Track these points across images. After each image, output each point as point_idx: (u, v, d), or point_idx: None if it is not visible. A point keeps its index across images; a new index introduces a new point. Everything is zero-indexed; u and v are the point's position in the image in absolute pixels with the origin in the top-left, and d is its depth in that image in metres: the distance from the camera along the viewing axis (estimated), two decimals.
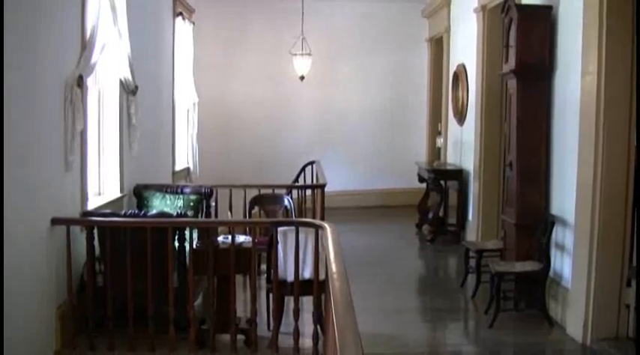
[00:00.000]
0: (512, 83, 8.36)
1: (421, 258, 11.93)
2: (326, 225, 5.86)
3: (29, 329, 5.78)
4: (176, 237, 6.48)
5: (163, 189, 8.80)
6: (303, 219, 6.91)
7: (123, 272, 6.23)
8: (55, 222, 6.20)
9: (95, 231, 6.43)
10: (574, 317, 7.14)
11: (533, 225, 8.02)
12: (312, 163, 12.00)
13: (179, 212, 7.42)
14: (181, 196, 8.66)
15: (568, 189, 7.44)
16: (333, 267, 4.33)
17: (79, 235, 6.58)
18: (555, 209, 7.92)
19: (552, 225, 7.67)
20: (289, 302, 6.53)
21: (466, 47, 12.13)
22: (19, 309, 5.59)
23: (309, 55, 14.21)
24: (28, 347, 5.77)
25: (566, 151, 7.59)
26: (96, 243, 6.43)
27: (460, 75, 12.57)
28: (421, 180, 13.59)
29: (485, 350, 7.29)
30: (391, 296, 9.07)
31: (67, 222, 6.30)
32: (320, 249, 6.11)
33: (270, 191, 9.29)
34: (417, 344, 7.39)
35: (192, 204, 8.59)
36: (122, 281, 6.24)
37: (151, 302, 6.25)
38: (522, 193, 8.16)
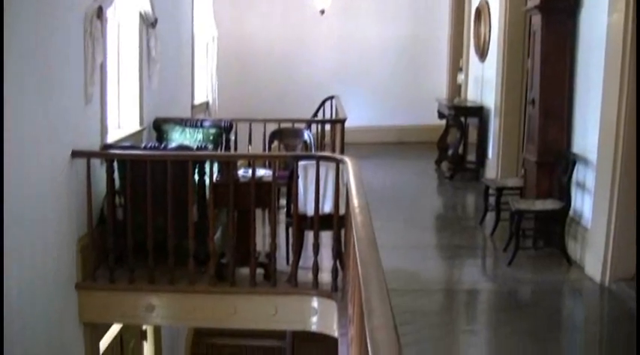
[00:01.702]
0: (536, 19, 8.23)
1: (440, 194, 11.93)
2: (347, 159, 5.83)
3: (51, 262, 5.81)
4: (196, 171, 6.46)
5: (183, 122, 8.76)
6: (324, 153, 6.88)
7: (143, 206, 6.24)
8: (75, 154, 6.19)
9: (115, 164, 6.41)
10: (593, 256, 7.13)
11: (555, 163, 7.97)
12: (331, 98, 11.93)
13: (199, 145, 7.40)
14: (201, 130, 8.63)
15: (591, 127, 7.37)
16: (355, 201, 4.30)
17: (99, 168, 6.57)
18: (577, 147, 7.86)
19: (574, 163, 7.62)
20: (309, 236, 6.53)
21: None
22: (41, 242, 5.62)
23: None
24: (50, 280, 5.81)
25: (590, 89, 7.50)
26: (116, 176, 6.42)
27: (483, 10, 12.41)
28: (441, 116, 13.53)
29: (503, 287, 7.31)
30: (410, 232, 9.08)
31: (87, 154, 6.28)
32: (340, 184, 6.09)
33: (289, 125, 9.26)
34: (435, 280, 7.42)
35: (211, 137, 8.56)
36: (142, 215, 6.25)
37: (170, 235, 6.25)
38: (544, 131, 8.10)
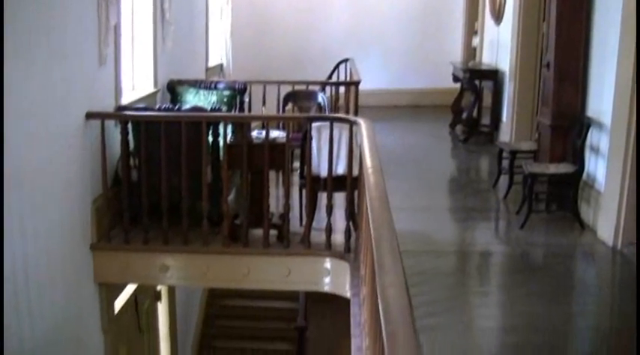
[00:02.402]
0: None
1: (454, 157, 11.92)
2: (360, 121, 5.83)
3: (66, 223, 5.86)
4: (210, 132, 6.48)
5: (197, 84, 8.76)
6: (338, 115, 6.89)
7: (157, 167, 6.27)
8: (89, 116, 6.21)
9: (129, 125, 6.43)
10: (605, 220, 7.13)
11: (569, 127, 7.95)
12: (345, 61, 11.89)
13: (213, 107, 7.40)
14: (215, 92, 8.63)
15: (606, 90, 7.33)
16: (368, 162, 4.32)
17: (114, 130, 6.60)
18: (592, 111, 7.82)
19: (588, 127, 7.60)
20: (322, 197, 6.56)
21: None
22: (55, 203, 5.67)
23: None
24: (66, 241, 5.86)
25: (606, 52, 7.45)
26: (130, 137, 6.45)
27: None
28: (455, 79, 13.47)
29: (515, 250, 7.33)
30: (423, 194, 9.10)
31: (102, 116, 6.30)
32: (354, 145, 6.10)
33: (303, 87, 9.25)
34: (447, 242, 7.45)
35: (225, 99, 8.56)
36: (156, 176, 6.28)
37: (184, 196, 6.29)
38: (559, 94, 8.07)
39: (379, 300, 2.39)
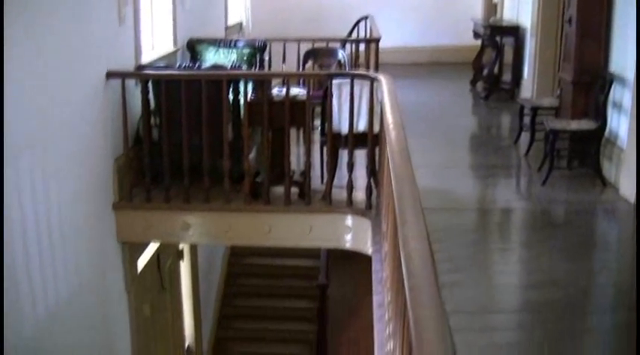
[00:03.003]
0: None
1: (475, 114, 11.86)
2: (381, 77, 5.81)
3: (88, 183, 5.89)
4: (230, 90, 6.47)
5: (217, 42, 8.74)
6: (359, 71, 6.85)
7: (178, 126, 6.27)
8: (109, 75, 6.21)
9: (150, 84, 6.44)
10: (627, 177, 7.08)
11: (591, 83, 7.89)
12: (365, 18, 11.81)
13: (233, 65, 7.39)
14: (235, 50, 8.60)
15: (630, 45, 7.25)
16: (389, 117, 4.30)
17: (134, 89, 6.60)
18: (615, 66, 7.75)
19: (611, 83, 7.53)
20: (343, 155, 6.55)
21: None
22: (77, 163, 5.69)
23: None
24: (88, 200, 5.90)
25: (629, 5, 7.35)
26: (151, 96, 6.45)
27: None
28: (476, 36, 13.37)
29: (536, 207, 7.32)
30: (444, 151, 9.08)
31: (122, 75, 6.30)
32: (375, 102, 6.08)
33: (323, 44, 9.21)
34: (468, 199, 7.44)
35: (245, 57, 8.54)
36: (177, 135, 6.29)
37: (206, 155, 6.30)
38: (581, 49, 7.99)
39: (401, 253, 2.40)
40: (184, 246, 8.93)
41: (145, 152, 6.38)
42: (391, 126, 4.08)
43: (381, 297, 4.42)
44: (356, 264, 10.00)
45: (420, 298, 2.06)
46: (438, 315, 1.94)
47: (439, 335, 1.83)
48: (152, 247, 7.59)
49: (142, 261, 7.26)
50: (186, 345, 9.42)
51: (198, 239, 7.02)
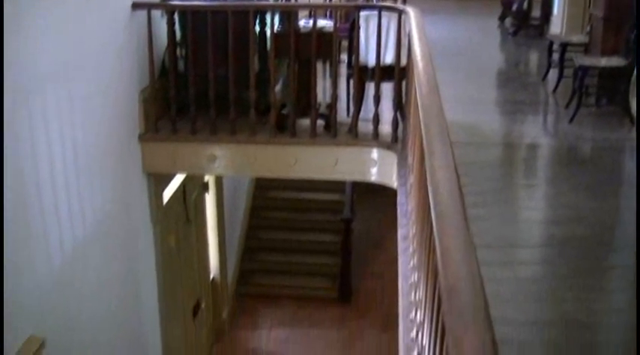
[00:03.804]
0: None
1: (502, 50, 11.75)
2: (409, 10, 5.74)
3: (113, 114, 5.90)
4: (257, 21, 6.42)
5: None
6: (386, 4, 6.77)
7: (204, 57, 6.24)
8: (135, 6, 6.17)
9: (176, 15, 6.40)
10: None
11: (622, 19, 7.77)
12: None
13: None
14: None
15: None
16: (417, 49, 4.27)
17: (160, 20, 6.55)
18: None
19: None
20: (369, 88, 6.52)
21: None
22: (104, 94, 5.70)
23: None
24: (114, 132, 5.91)
25: None
26: (177, 27, 6.42)
27: None
28: None
29: (563, 143, 7.27)
30: (471, 86, 9.01)
31: (148, 6, 6.25)
32: (402, 34, 6.03)
33: None
34: (495, 134, 7.40)
35: None
36: (203, 66, 6.26)
37: (232, 86, 6.28)
38: None
39: (428, 183, 2.39)
40: (210, 179, 8.98)
41: (170, 84, 6.37)
42: (419, 57, 4.05)
43: (406, 230, 4.44)
44: (380, 198, 10.03)
45: (446, 226, 2.05)
46: (465, 243, 1.94)
47: (466, 262, 1.84)
48: (178, 179, 7.63)
49: (168, 193, 7.31)
50: (211, 277, 9.53)
51: (223, 170, 7.04)
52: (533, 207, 6.00)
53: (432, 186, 2.33)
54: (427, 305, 2.69)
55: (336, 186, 11.42)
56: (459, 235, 1.96)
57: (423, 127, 2.89)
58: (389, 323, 9.57)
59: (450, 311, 1.73)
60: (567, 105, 7.78)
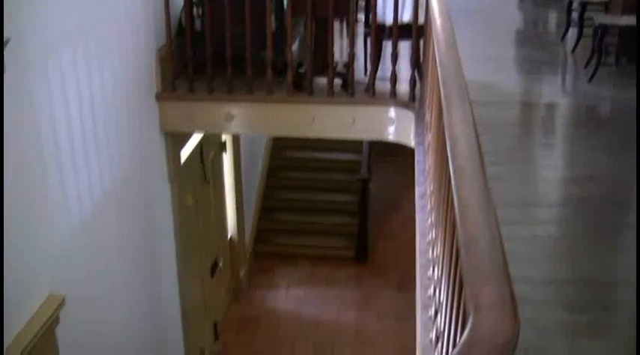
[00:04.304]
0: None
1: (521, 10, 11.62)
2: None
3: (130, 73, 5.89)
4: None
5: None
6: None
7: (221, 16, 6.21)
8: None
9: None
10: None
11: None
12: None
13: None
14: None
15: None
16: (435, 7, 4.24)
17: None
18: None
19: None
20: (386, 46, 6.48)
21: None
22: (121, 53, 5.70)
23: None
24: (131, 91, 5.92)
25: None
26: None
27: None
28: None
29: (582, 103, 7.23)
30: (489, 45, 8.94)
31: None
32: None
33: None
34: (513, 93, 7.36)
35: None
36: (220, 25, 6.23)
37: (249, 45, 6.26)
38: None
39: (447, 138, 2.39)
40: (227, 138, 8.99)
41: (187, 42, 6.35)
42: (437, 14, 4.02)
43: (424, 188, 4.44)
44: (398, 159, 10.02)
45: (465, 181, 2.05)
46: (484, 197, 1.93)
47: (484, 216, 1.84)
48: (195, 138, 7.64)
49: (185, 153, 7.32)
50: (229, 237, 9.58)
51: (240, 129, 7.05)
52: (551, 166, 5.97)
53: (451, 140, 2.32)
54: (445, 261, 2.69)
55: (354, 146, 11.41)
56: (477, 189, 1.96)
57: (441, 83, 2.88)
58: (405, 283, 9.61)
59: (468, 264, 1.74)
60: (586, 65, 7.72)
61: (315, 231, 11.15)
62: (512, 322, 1.51)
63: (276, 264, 10.70)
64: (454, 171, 2.11)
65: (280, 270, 10.60)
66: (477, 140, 2.27)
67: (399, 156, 9.58)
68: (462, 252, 1.79)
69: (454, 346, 2.18)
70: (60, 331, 4.56)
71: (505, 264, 1.66)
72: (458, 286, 2.11)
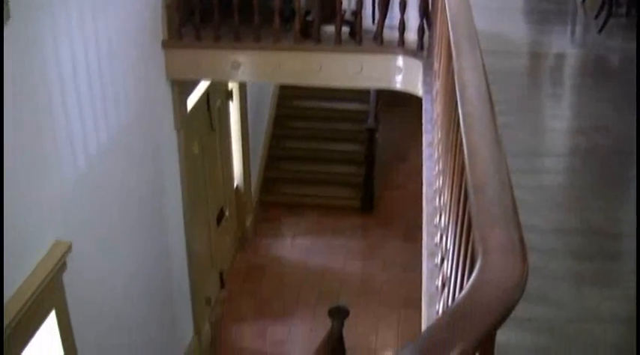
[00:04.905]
0: None
1: None
2: None
3: (137, 20, 5.87)
4: None
5: None
6: None
7: None
8: None
9: None
10: None
11: None
12: None
13: None
14: None
15: None
16: None
17: None
18: None
19: None
20: None
21: None
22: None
23: None
24: (138, 38, 5.89)
25: None
26: None
27: None
28: None
29: (590, 53, 7.17)
30: None
31: None
32: None
33: None
34: (522, 43, 7.30)
35: None
36: None
37: None
38: None
39: (456, 83, 2.37)
40: (234, 87, 8.96)
41: None
42: None
43: (431, 136, 4.43)
44: (405, 109, 10.00)
45: (474, 125, 2.04)
46: (493, 141, 1.93)
47: (493, 159, 1.83)
48: (201, 87, 7.61)
49: (192, 101, 7.31)
50: (235, 185, 9.60)
51: (247, 77, 7.01)
52: (559, 116, 5.95)
53: (460, 86, 2.31)
54: (452, 208, 2.69)
55: (361, 95, 11.37)
56: (486, 133, 1.95)
57: (450, 29, 2.85)
58: (411, 233, 9.64)
59: (477, 208, 1.74)
60: (597, 16, 7.64)
61: (322, 181, 11.16)
62: (521, 265, 1.52)
63: (282, 213, 10.73)
64: (463, 116, 2.10)
65: (286, 219, 10.63)
66: (487, 85, 2.26)
67: (406, 106, 9.56)
68: (471, 196, 1.79)
69: (460, 291, 2.19)
70: (67, 278, 4.58)
71: (514, 208, 1.66)
72: (466, 231, 2.11)
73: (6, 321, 3.83)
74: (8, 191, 3.83)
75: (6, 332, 3.81)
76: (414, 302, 6.28)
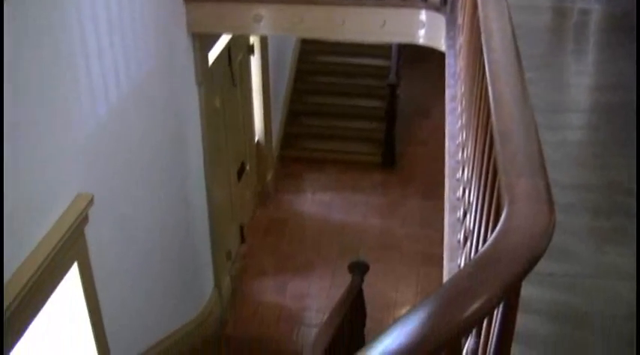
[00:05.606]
0: None
1: None
2: None
3: None
4: None
5: None
6: None
7: None
8: None
9: None
10: None
11: None
12: None
13: None
14: None
15: None
16: None
17: None
18: None
19: None
20: None
21: None
22: None
23: None
24: None
25: None
26: None
27: None
28: None
29: (616, 10, 7.07)
30: None
31: None
32: None
33: None
34: None
35: None
36: None
37: None
38: None
39: (482, 32, 2.35)
40: (255, 41, 8.92)
41: None
42: None
43: (454, 90, 4.41)
44: (427, 65, 9.95)
45: (500, 72, 2.03)
46: (519, 88, 1.91)
47: (519, 106, 1.82)
48: (223, 41, 7.58)
49: (213, 55, 7.28)
50: (256, 140, 9.60)
51: (269, 30, 6.95)
52: (582, 72, 5.89)
53: (486, 35, 2.29)
54: (476, 160, 2.68)
55: (382, 51, 11.32)
56: (512, 81, 1.94)
57: None
58: (431, 190, 9.63)
59: (503, 156, 1.72)
60: None
61: (343, 136, 11.15)
62: (548, 212, 1.51)
63: (303, 169, 10.74)
64: (489, 64, 2.08)
65: (307, 175, 10.64)
66: (513, 34, 2.24)
67: (428, 62, 9.51)
68: (497, 144, 1.78)
69: (484, 243, 2.19)
70: (89, 230, 4.60)
71: (541, 155, 1.65)
72: (490, 183, 2.10)
73: (29, 273, 3.86)
74: (30, 142, 3.85)
75: (29, 284, 3.84)
76: (433, 260, 6.30)
